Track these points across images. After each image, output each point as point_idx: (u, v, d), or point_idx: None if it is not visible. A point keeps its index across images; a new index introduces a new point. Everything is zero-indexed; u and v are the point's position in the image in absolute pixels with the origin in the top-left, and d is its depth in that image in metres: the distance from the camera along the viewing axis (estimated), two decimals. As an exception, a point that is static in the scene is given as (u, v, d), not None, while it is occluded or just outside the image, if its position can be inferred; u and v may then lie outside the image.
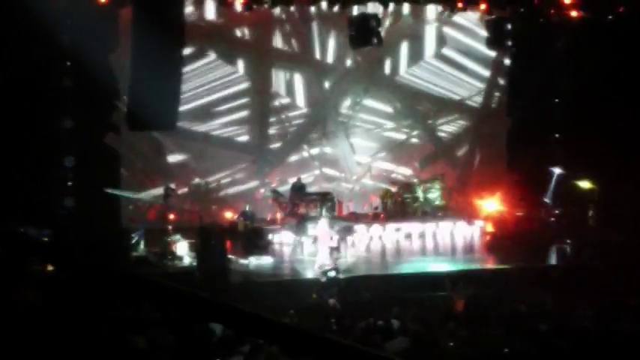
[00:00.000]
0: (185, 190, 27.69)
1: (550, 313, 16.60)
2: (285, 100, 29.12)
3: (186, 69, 25.34)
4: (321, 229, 22.33)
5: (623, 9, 24.82)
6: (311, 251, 23.48)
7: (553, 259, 23.10)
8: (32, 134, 21.61)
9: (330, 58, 29.28)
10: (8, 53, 20.91)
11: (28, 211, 20.57)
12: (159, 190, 25.99)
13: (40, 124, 21.84)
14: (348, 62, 29.39)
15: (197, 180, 28.17)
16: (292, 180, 27.52)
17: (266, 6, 24.46)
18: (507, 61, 29.07)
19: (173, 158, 27.99)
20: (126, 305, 15.25)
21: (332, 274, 19.92)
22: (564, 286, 20.07)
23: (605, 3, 24.75)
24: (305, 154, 29.58)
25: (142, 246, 22.87)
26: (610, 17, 24.97)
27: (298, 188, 26.45)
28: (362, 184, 29.91)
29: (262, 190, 28.36)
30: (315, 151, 29.66)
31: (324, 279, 19.87)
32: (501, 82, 30.22)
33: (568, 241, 23.96)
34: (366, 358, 4.29)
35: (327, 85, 29.45)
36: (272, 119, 29.15)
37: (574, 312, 16.79)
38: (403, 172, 30.08)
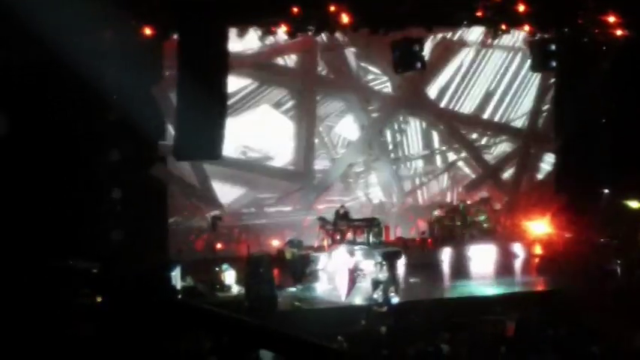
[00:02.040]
0: (232, 219, 27.73)
1: (603, 336, 16.42)
2: (330, 127, 29.14)
3: (230, 99, 25.55)
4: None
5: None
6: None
7: (603, 281, 22.85)
8: (79, 168, 21.75)
9: (373, 84, 29.28)
10: (54, 88, 21.08)
11: (77, 244, 20.68)
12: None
13: (87, 157, 21.97)
14: (392, 87, 29.37)
15: (243, 209, 28.25)
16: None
17: (310, 33, 24.44)
18: (552, 82, 28.93)
19: (219, 187, 28.02)
20: (179, 335, 15.27)
21: (395, 300, 19.79)
22: (616, 309, 19.85)
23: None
24: (350, 180, 29.53)
25: (183, 278, 22.79)
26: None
27: (342, 215, 26.35)
28: (408, 209, 29.79)
29: (309, 218, 28.36)
30: (360, 177, 29.60)
31: (384, 308, 19.68)
32: (547, 103, 30.08)
33: (618, 262, 23.72)
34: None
35: (371, 110, 29.41)
36: (317, 146, 29.16)
37: (627, 334, 16.60)
38: (449, 196, 29.94)
